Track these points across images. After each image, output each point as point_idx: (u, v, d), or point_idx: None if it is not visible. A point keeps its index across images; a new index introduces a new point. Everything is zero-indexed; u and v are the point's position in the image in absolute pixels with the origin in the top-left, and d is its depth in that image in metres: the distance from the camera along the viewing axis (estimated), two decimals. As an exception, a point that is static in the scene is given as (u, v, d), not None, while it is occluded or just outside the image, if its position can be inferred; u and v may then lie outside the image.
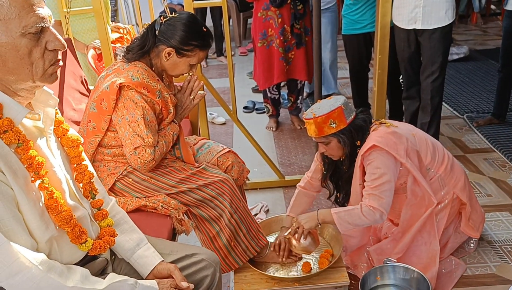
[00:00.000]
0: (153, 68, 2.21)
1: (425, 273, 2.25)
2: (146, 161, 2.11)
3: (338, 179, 2.61)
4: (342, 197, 2.64)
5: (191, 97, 2.33)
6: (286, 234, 2.42)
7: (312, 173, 2.63)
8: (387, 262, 2.30)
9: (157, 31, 2.17)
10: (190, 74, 2.31)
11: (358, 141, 2.36)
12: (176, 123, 2.29)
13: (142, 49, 2.17)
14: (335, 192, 2.67)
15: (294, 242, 2.38)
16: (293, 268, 2.44)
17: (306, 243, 2.36)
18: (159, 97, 2.15)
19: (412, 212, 2.47)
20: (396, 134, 2.35)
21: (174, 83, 2.44)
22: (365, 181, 2.36)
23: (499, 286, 2.46)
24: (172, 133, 2.24)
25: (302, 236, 2.36)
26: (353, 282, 2.48)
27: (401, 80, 3.97)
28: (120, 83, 2.06)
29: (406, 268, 2.28)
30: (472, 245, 2.71)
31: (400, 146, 2.32)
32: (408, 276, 2.27)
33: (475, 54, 6.34)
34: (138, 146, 2.09)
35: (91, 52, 3.22)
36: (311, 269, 2.39)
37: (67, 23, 3.01)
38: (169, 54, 2.16)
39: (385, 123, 2.42)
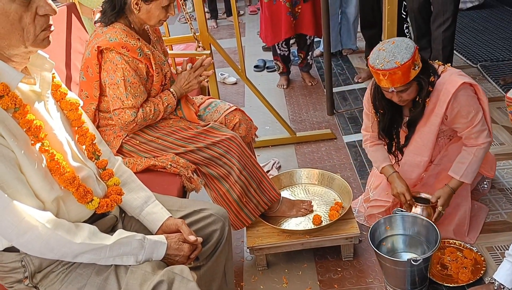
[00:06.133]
0: (132, 25, 2.20)
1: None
2: (126, 122, 2.14)
3: (396, 127, 2.46)
4: (395, 146, 2.50)
5: (201, 78, 2.34)
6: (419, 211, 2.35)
7: (371, 128, 2.50)
8: (396, 212, 2.31)
9: None
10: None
11: (432, 77, 2.23)
12: (174, 96, 2.29)
13: (114, 9, 2.14)
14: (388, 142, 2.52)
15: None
16: (303, 221, 2.48)
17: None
18: (140, 55, 2.14)
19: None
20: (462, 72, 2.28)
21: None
22: (452, 122, 2.29)
23: (510, 232, 2.46)
24: (167, 104, 2.25)
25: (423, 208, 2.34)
26: (364, 233, 2.51)
27: (405, 32, 3.88)
28: (98, 46, 2.08)
29: (415, 217, 2.28)
30: (486, 185, 2.72)
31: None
32: (417, 225, 2.28)
33: (490, 1, 6.15)
34: (116, 108, 2.13)
35: (98, 16, 3.21)
36: (322, 221, 2.42)
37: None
38: (136, 4, 2.12)
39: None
